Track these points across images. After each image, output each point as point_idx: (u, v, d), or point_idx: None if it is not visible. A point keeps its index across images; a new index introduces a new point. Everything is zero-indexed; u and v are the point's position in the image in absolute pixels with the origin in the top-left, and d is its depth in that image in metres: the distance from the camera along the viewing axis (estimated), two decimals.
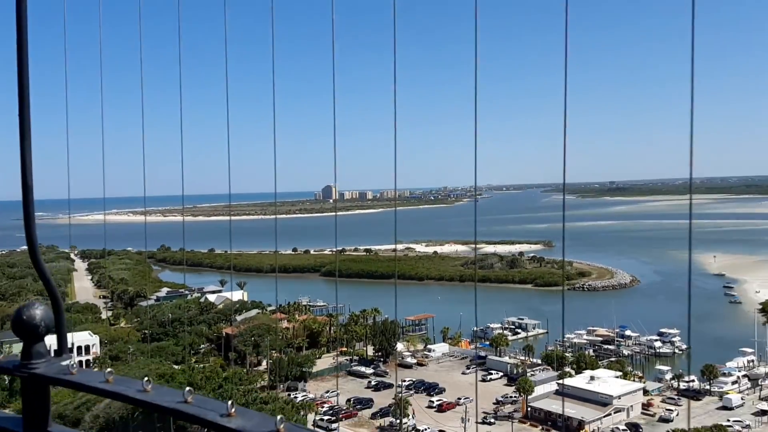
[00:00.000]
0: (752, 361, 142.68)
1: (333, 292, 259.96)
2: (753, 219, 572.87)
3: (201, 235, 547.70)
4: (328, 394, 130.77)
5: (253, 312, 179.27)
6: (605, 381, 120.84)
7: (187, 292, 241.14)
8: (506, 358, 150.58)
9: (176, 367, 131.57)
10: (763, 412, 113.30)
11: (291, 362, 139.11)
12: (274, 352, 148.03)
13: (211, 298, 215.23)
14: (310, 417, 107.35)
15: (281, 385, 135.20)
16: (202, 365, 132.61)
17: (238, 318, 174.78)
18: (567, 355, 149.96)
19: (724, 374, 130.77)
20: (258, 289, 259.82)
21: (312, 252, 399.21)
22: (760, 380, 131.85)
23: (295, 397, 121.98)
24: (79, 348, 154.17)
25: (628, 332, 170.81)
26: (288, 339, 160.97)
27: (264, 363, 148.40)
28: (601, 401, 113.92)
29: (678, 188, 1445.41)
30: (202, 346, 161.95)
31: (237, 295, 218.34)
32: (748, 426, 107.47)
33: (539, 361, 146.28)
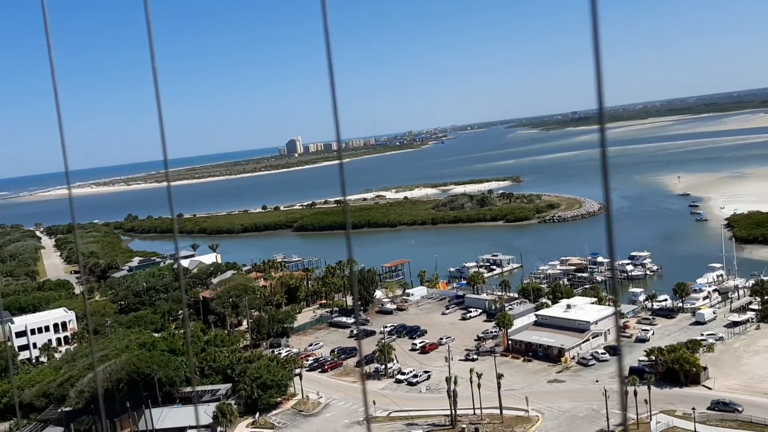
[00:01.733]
0: (721, 275, 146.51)
1: (307, 247, 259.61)
2: (713, 137, 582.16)
3: (166, 202, 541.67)
4: (311, 347, 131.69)
5: (229, 273, 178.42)
6: (581, 308, 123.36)
7: (159, 259, 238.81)
8: (484, 295, 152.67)
9: (156, 335, 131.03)
10: (735, 324, 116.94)
11: (272, 320, 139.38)
12: (253, 311, 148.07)
13: (185, 263, 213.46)
14: (296, 371, 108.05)
15: (264, 343, 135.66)
16: (182, 331, 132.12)
17: (214, 280, 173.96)
18: (542, 286, 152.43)
19: (695, 291, 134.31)
20: (231, 250, 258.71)
21: (282, 208, 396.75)
22: (729, 293, 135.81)
23: (279, 353, 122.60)
24: (56, 325, 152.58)
25: (599, 259, 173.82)
26: (266, 297, 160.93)
27: (245, 323, 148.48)
28: (579, 328, 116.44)
29: (638, 113, 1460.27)
30: (180, 311, 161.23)
31: (210, 258, 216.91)
32: (721, 338, 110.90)
33: (516, 295, 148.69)
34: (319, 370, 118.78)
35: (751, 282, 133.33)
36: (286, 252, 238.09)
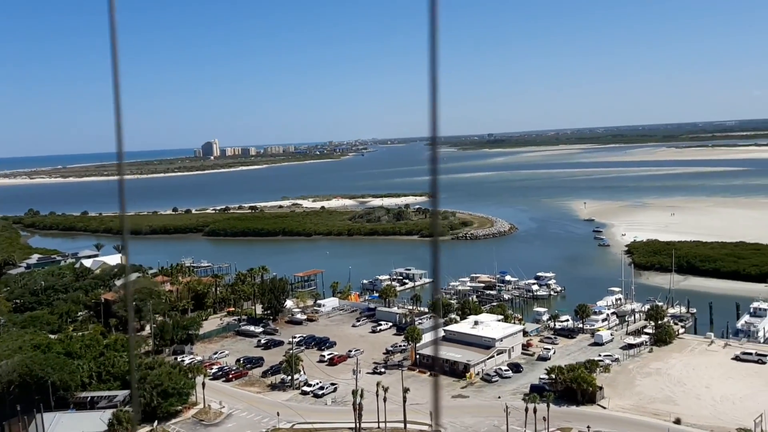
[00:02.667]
0: (619, 299, 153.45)
1: (218, 253, 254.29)
2: (618, 167, 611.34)
3: (73, 198, 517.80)
4: (216, 356, 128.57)
5: (134, 276, 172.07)
6: (488, 325, 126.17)
7: (60, 258, 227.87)
8: (395, 309, 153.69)
9: (53, 336, 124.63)
10: (630, 346, 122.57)
11: (176, 325, 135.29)
12: (157, 316, 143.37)
13: (87, 263, 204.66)
14: (199, 379, 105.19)
15: (167, 350, 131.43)
16: (80, 333, 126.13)
17: (118, 283, 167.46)
18: (452, 302, 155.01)
19: (595, 313, 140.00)
20: (137, 251, 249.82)
21: (194, 211, 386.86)
22: (626, 316, 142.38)
23: (182, 361, 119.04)
24: None
25: (508, 277, 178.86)
26: (172, 302, 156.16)
27: (148, 327, 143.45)
28: (485, 344, 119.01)
29: (550, 139, 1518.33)
30: (79, 313, 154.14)
31: (114, 259, 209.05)
32: (617, 359, 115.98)
33: (426, 310, 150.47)
34: (223, 379, 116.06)
35: (647, 307, 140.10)
36: (195, 257, 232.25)
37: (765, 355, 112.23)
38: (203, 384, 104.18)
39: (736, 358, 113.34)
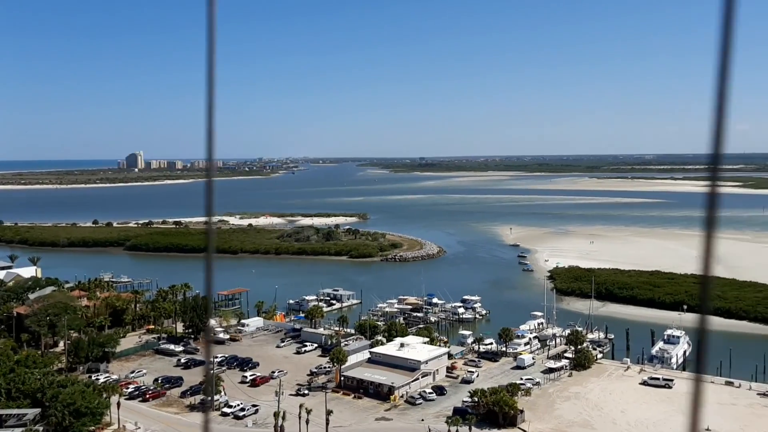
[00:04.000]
0: (542, 323, 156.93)
1: (139, 268, 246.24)
2: (544, 195, 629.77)
3: None
4: (133, 375, 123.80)
5: (49, 290, 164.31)
6: (414, 347, 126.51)
7: None
8: (321, 330, 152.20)
9: None
10: (550, 370, 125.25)
11: (92, 342, 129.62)
12: (72, 332, 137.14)
13: (0, 275, 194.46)
14: (114, 399, 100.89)
15: (81, 367, 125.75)
16: None
17: (31, 296, 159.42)
18: (379, 323, 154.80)
19: (518, 336, 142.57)
20: (54, 264, 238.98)
21: (115, 224, 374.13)
22: (548, 341, 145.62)
23: (97, 379, 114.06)
24: None
25: (435, 300, 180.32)
26: (89, 318, 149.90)
27: (61, 344, 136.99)
28: (410, 367, 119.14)
29: (480, 165, 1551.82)
30: None
31: (29, 272, 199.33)
32: (538, 383, 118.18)
33: (353, 331, 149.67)
34: (140, 399, 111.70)
35: (567, 331, 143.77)
36: (115, 271, 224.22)
37: (671, 380, 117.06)
38: (118, 404, 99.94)
39: (644, 383, 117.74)
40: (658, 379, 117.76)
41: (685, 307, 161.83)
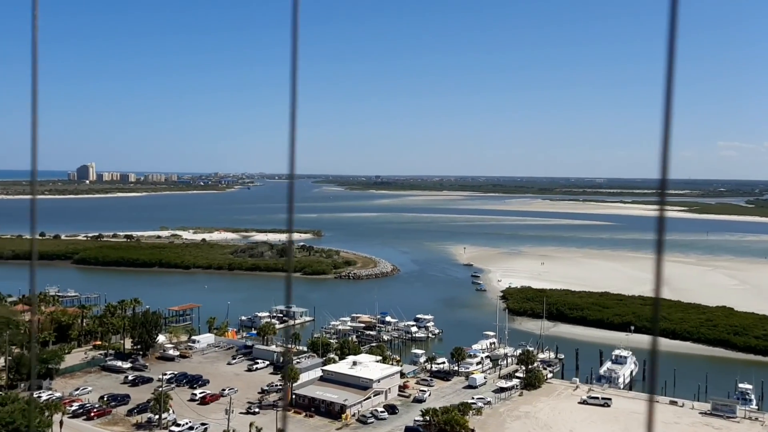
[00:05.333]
0: (494, 343, 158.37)
1: (87, 282, 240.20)
2: (497, 215, 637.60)
3: None
4: (78, 392, 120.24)
5: None
6: (366, 366, 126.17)
7: None
8: (273, 347, 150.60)
9: None
10: (502, 389, 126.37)
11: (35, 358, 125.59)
12: (14, 347, 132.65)
13: None
14: (57, 417, 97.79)
15: (23, 384, 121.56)
16: None
17: None
18: (332, 341, 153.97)
19: (470, 356, 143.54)
20: None
21: (63, 237, 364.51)
22: (499, 360, 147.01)
23: (39, 397, 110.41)
24: None
25: (388, 318, 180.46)
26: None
27: (2, 360, 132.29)
28: (362, 385, 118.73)
29: (435, 185, 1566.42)
30: None
31: None
32: (489, 402, 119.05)
33: (305, 349, 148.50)
34: (84, 417, 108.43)
35: (519, 351, 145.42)
36: (61, 285, 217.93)
37: (609, 399, 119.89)
38: (61, 422, 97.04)
39: (583, 402, 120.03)
40: (597, 398, 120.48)
41: (632, 327, 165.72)
